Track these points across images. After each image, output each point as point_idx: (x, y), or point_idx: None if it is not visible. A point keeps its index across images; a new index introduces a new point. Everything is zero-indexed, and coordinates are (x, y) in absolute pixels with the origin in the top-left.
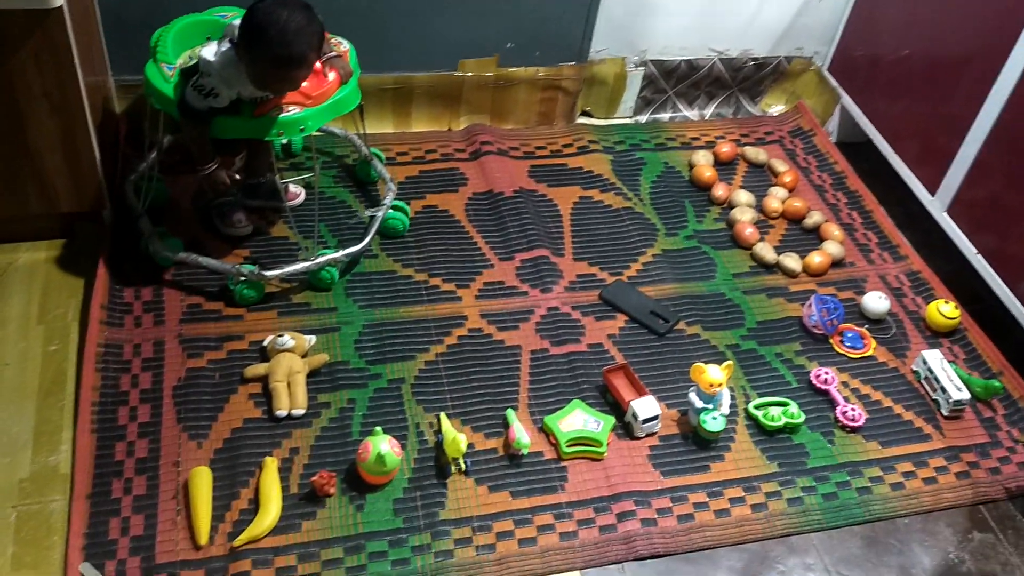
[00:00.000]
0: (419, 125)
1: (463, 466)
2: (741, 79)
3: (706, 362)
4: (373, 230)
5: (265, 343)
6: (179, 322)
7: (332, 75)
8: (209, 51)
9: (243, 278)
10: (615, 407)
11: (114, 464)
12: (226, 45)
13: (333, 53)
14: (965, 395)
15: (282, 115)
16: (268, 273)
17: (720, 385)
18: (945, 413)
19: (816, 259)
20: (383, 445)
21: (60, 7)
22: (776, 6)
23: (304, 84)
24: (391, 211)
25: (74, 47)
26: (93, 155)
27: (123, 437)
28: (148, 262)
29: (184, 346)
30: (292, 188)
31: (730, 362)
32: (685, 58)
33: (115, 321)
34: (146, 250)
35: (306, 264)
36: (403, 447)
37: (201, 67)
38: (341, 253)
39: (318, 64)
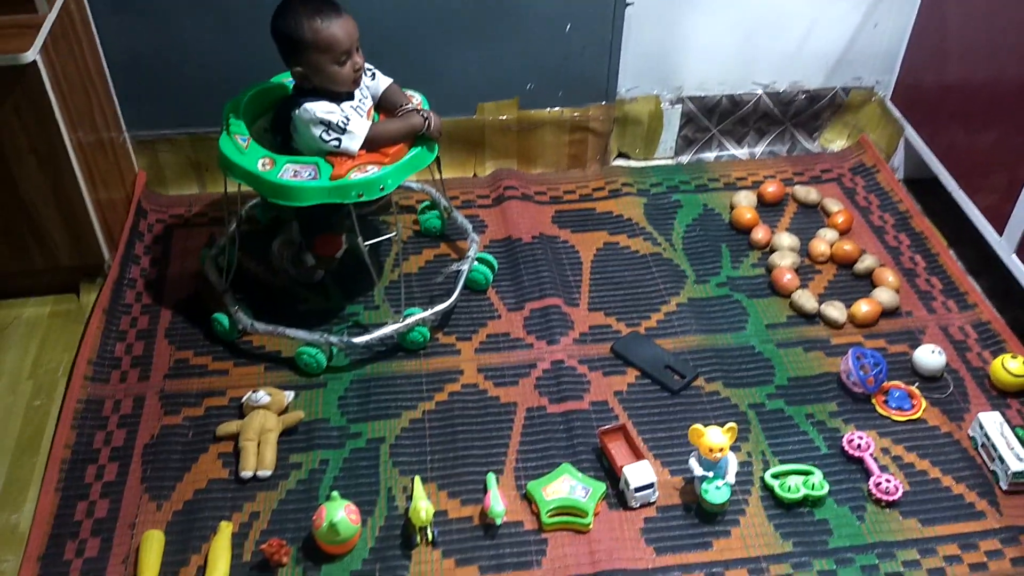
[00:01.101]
0: (445, 172)
1: (430, 536)
2: (793, 114)
3: (721, 423)
4: (460, 283)
5: (243, 400)
6: (164, 377)
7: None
8: (305, 113)
9: (333, 346)
10: (611, 473)
11: (72, 524)
12: (299, 101)
13: (409, 106)
14: None
15: (361, 176)
16: (358, 340)
17: (722, 450)
18: (1004, 487)
19: (863, 308)
20: (338, 512)
21: (34, 62)
22: (825, 33)
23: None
24: (475, 263)
25: (54, 102)
26: (86, 209)
27: (86, 496)
28: (146, 315)
29: (163, 402)
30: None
31: (733, 424)
32: (726, 93)
33: (101, 376)
34: (221, 327)
35: (395, 327)
36: (371, 513)
37: (311, 119)
38: (430, 312)
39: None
